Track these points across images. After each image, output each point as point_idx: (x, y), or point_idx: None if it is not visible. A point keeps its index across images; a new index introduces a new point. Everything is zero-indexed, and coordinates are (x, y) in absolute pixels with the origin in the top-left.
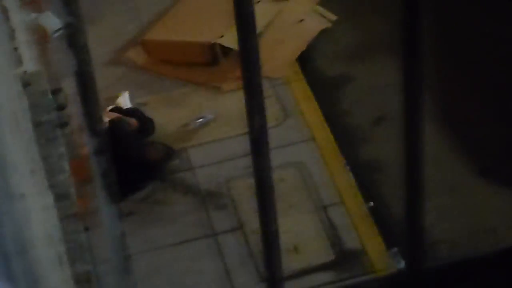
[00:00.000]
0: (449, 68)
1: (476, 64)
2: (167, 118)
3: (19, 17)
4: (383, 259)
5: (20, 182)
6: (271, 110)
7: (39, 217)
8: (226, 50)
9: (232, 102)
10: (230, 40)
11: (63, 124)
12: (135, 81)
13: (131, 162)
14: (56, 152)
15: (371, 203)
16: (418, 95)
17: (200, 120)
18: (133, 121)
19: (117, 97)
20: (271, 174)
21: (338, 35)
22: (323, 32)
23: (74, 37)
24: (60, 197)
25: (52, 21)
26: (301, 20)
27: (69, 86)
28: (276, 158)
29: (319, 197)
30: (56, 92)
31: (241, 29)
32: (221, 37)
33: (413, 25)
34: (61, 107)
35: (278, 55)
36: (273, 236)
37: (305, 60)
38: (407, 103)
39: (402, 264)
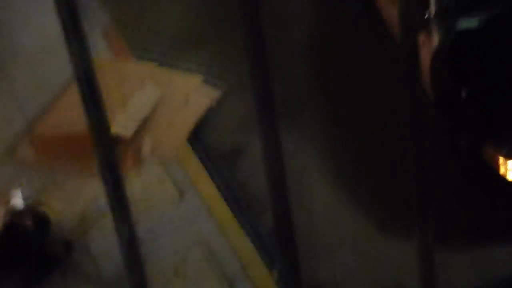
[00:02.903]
0: (338, 125)
1: (367, 118)
2: (63, 211)
3: None
4: None
5: None
6: (166, 192)
7: None
8: (116, 137)
9: (127, 188)
10: (119, 127)
11: None
12: (27, 178)
13: (31, 261)
14: None
15: (276, 270)
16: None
17: (97, 209)
18: (27, 221)
19: (8, 197)
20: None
21: (226, 109)
22: (211, 108)
23: None
24: None
25: None
26: (187, 100)
27: None
28: (176, 238)
29: (224, 272)
30: None
31: (98, 146)
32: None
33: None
34: None
35: (167, 137)
36: None
37: (195, 138)
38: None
39: None
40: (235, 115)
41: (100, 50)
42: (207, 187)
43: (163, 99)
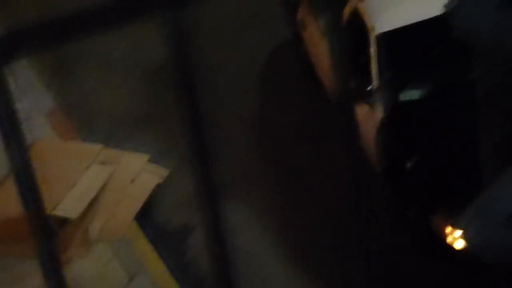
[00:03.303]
0: (287, 198)
1: (316, 190)
2: None
3: None
4: None
5: None
6: (115, 273)
7: None
8: (63, 219)
9: (75, 270)
10: (66, 209)
11: None
12: None
13: None
14: None
15: None
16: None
17: None
18: None
19: None
20: None
21: (173, 187)
22: (158, 186)
23: None
24: None
25: None
26: (133, 180)
27: None
28: None
29: None
30: None
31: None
32: (56, 207)
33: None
34: None
35: (115, 216)
36: None
37: (144, 217)
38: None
39: None
40: (183, 193)
41: (46, 131)
42: (157, 267)
43: (110, 179)
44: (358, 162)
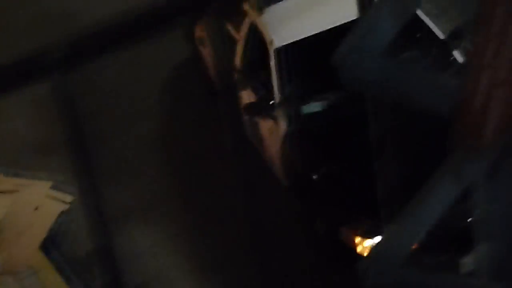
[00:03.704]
0: (196, 220)
1: (224, 210)
2: None
3: None
4: None
5: None
6: None
7: None
8: None
9: None
10: None
11: None
12: None
13: None
14: None
15: None
16: None
17: None
18: None
19: None
20: None
21: (79, 213)
22: (63, 214)
23: None
24: None
25: None
26: (37, 208)
27: None
28: None
29: None
30: None
31: None
32: None
33: None
34: None
35: (19, 247)
36: None
37: (49, 246)
38: None
39: None
40: (89, 218)
41: None
42: None
43: (12, 209)
44: (259, 177)
